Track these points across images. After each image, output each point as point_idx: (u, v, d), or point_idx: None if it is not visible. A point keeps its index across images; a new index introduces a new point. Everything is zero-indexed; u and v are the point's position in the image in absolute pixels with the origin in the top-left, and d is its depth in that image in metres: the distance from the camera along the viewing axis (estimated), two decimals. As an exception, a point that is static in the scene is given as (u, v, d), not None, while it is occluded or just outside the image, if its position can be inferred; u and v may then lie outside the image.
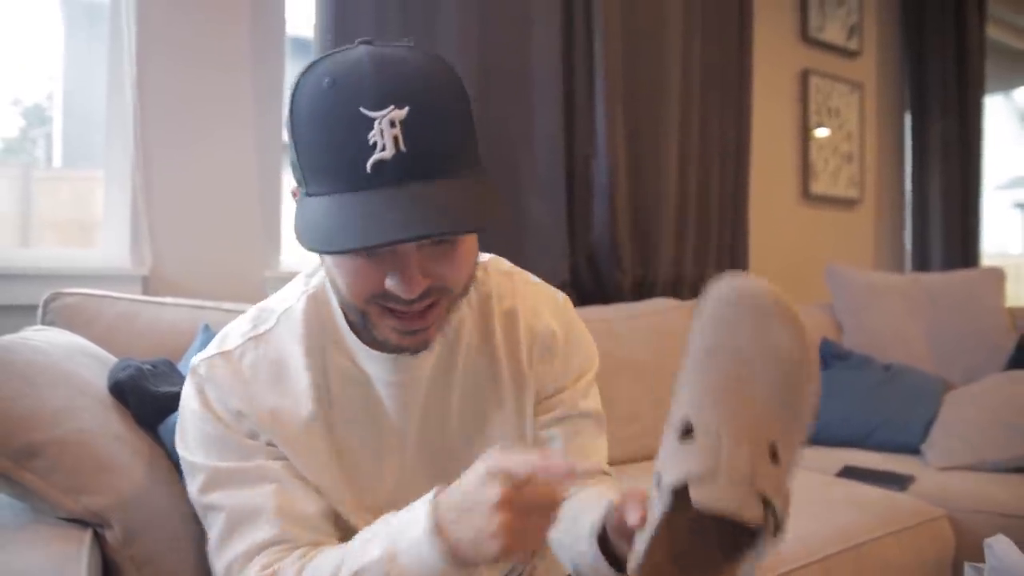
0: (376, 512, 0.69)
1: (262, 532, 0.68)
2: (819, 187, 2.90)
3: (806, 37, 2.84)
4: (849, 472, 1.72)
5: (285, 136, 0.66)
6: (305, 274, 0.80)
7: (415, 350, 0.70)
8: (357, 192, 0.60)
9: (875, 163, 3.18)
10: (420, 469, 0.78)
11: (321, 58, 0.65)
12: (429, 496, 0.62)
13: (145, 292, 1.52)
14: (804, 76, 2.85)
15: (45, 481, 0.82)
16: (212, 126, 1.64)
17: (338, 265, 0.66)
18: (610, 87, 2.04)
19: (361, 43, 0.65)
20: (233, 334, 0.76)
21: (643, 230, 2.16)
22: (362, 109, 0.59)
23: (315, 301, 0.76)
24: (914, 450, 1.84)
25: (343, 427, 0.75)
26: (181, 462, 0.74)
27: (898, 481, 1.65)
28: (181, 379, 1.03)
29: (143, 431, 0.96)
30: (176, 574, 0.84)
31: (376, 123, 0.59)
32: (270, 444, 0.72)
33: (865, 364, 2.11)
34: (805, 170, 2.86)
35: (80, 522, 0.84)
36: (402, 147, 0.59)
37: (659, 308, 2.00)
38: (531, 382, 0.81)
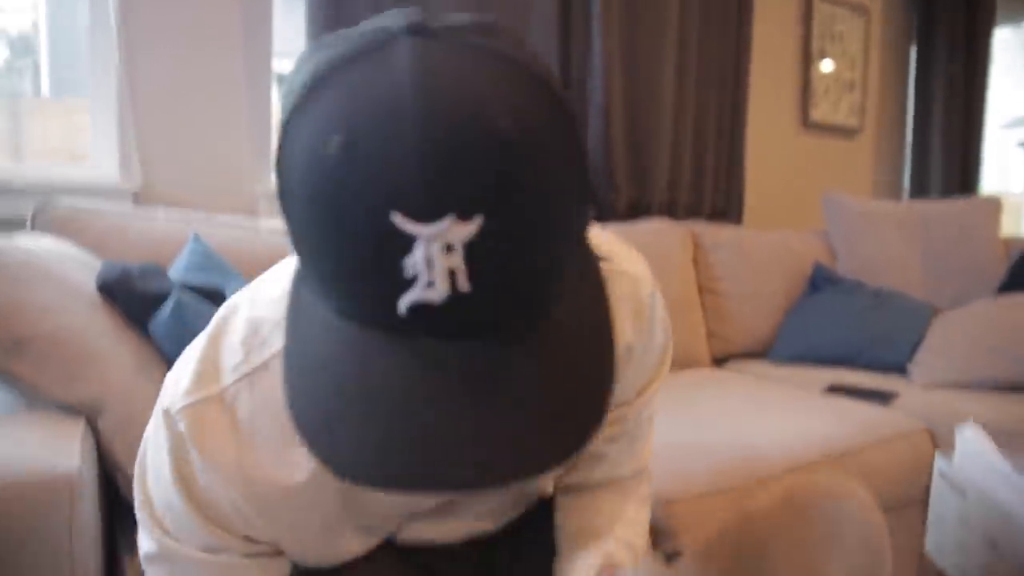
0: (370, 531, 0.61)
1: None
2: (819, 115, 2.86)
3: (810, -42, 2.75)
4: (835, 389, 1.75)
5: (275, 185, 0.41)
6: None
7: None
8: (379, 333, 0.38)
9: (877, 92, 3.13)
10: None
11: (328, 71, 0.36)
12: None
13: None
14: (807, -1, 2.77)
15: (36, 371, 0.84)
16: (199, 43, 1.60)
17: None
18: (606, 7, 1.99)
19: (403, 30, 0.36)
20: (223, 363, 0.51)
21: (638, 150, 2.14)
22: (396, 217, 0.34)
23: None
24: (901, 369, 1.87)
25: None
26: (135, 508, 0.55)
27: (882, 397, 1.68)
28: (169, 281, 1.04)
29: (132, 328, 0.97)
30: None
31: (420, 247, 0.34)
32: (248, 539, 0.55)
33: (856, 289, 2.12)
34: (805, 97, 2.81)
35: (74, 413, 0.86)
36: (461, 287, 0.35)
37: (654, 228, 2.00)
38: None
